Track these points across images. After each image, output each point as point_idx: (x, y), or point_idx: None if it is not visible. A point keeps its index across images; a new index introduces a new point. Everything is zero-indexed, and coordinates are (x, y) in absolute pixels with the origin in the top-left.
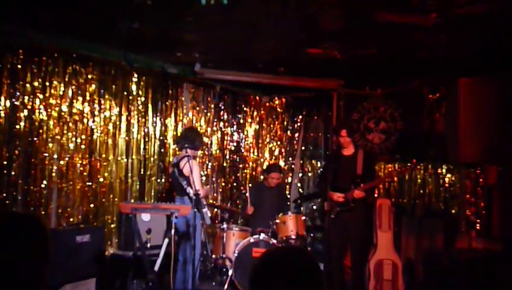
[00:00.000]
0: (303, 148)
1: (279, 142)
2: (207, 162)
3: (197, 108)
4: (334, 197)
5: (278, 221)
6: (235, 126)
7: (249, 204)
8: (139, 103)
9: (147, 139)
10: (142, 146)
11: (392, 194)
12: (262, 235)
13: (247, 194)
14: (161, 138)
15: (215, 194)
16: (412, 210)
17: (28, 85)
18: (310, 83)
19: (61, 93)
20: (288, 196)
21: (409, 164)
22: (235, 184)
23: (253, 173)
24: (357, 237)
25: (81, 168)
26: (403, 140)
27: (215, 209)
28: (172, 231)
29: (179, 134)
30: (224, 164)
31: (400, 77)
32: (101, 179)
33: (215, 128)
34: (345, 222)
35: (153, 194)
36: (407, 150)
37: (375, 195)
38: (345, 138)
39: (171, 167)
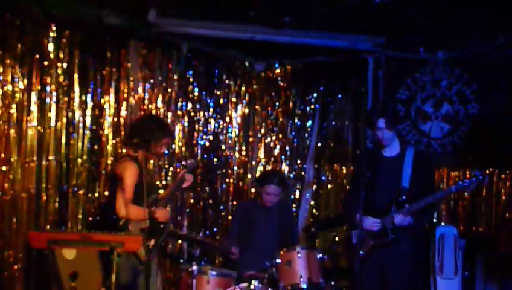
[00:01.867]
0: (319, 144)
1: (280, 135)
2: (166, 166)
3: (152, 80)
4: (366, 224)
5: (279, 260)
6: (211, 109)
7: (232, 239)
8: (60, 72)
9: (71, 130)
10: (63, 141)
11: (461, 218)
12: (255, 284)
13: (231, 221)
14: (94, 127)
15: (179, 218)
16: (492, 244)
17: None
18: (331, 41)
19: None
20: (296, 221)
21: (487, 171)
22: (210, 201)
23: (240, 183)
24: (402, 286)
25: None
26: (478, 133)
27: (179, 241)
28: (113, 277)
29: (121, 121)
30: (181, 172)
31: (475, 31)
32: None
33: (179, 112)
34: (383, 263)
35: (80, 216)
36: (484, 149)
37: (434, 220)
38: (384, 132)
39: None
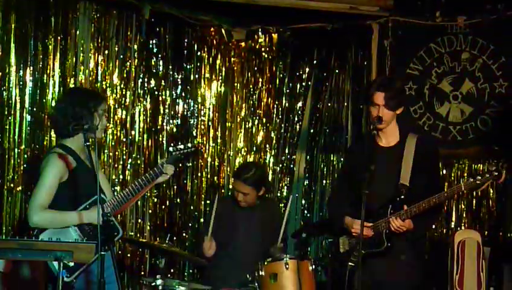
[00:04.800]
0: (312, 130)
1: (265, 120)
2: (123, 156)
3: (106, 51)
4: (354, 228)
5: (262, 273)
6: (179, 87)
7: (209, 233)
8: None
9: (6, 113)
10: None
11: (486, 221)
12: None
13: (212, 212)
14: (35, 109)
15: (140, 221)
16: None
17: None
18: (326, 3)
19: None
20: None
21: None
22: (178, 200)
23: (215, 178)
24: None
25: None
26: (507, 117)
27: (140, 250)
28: None
29: None
30: (159, 161)
31: None
32: None
33: (140, 90)
34: (378, 277)
35: (17, 221)
36: None
37: (452, 224)
38: (381, 109)
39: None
